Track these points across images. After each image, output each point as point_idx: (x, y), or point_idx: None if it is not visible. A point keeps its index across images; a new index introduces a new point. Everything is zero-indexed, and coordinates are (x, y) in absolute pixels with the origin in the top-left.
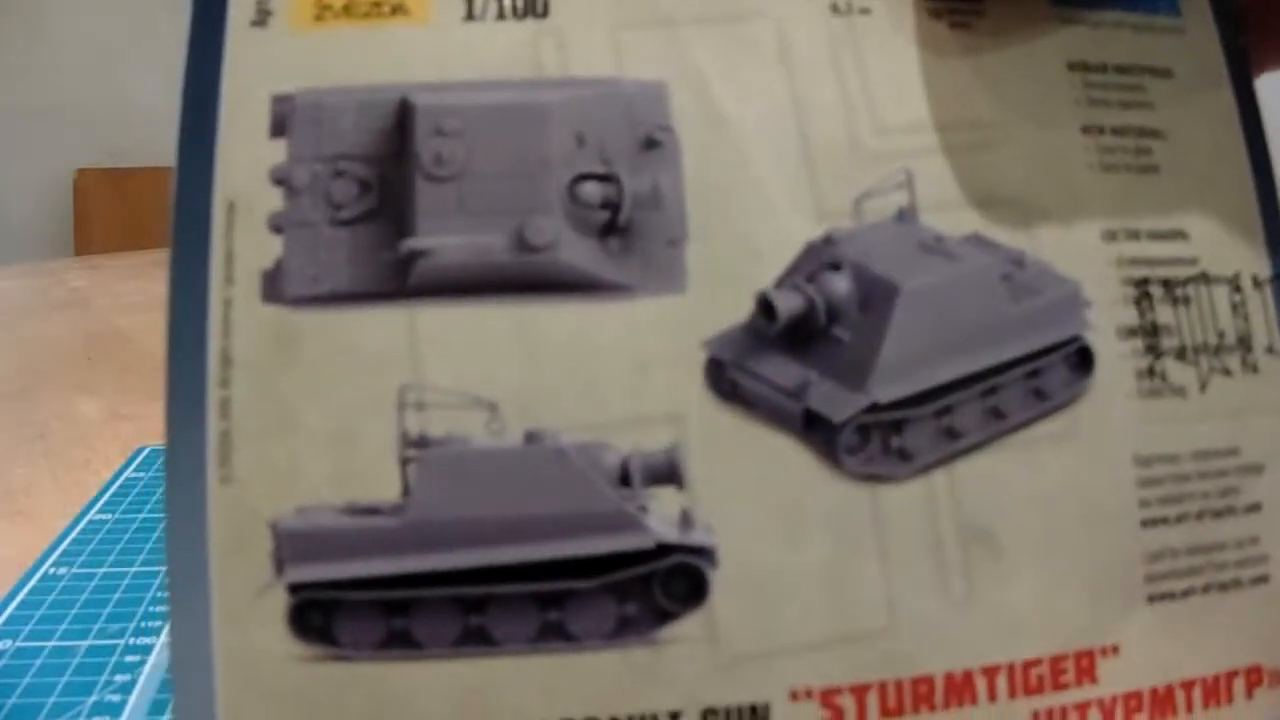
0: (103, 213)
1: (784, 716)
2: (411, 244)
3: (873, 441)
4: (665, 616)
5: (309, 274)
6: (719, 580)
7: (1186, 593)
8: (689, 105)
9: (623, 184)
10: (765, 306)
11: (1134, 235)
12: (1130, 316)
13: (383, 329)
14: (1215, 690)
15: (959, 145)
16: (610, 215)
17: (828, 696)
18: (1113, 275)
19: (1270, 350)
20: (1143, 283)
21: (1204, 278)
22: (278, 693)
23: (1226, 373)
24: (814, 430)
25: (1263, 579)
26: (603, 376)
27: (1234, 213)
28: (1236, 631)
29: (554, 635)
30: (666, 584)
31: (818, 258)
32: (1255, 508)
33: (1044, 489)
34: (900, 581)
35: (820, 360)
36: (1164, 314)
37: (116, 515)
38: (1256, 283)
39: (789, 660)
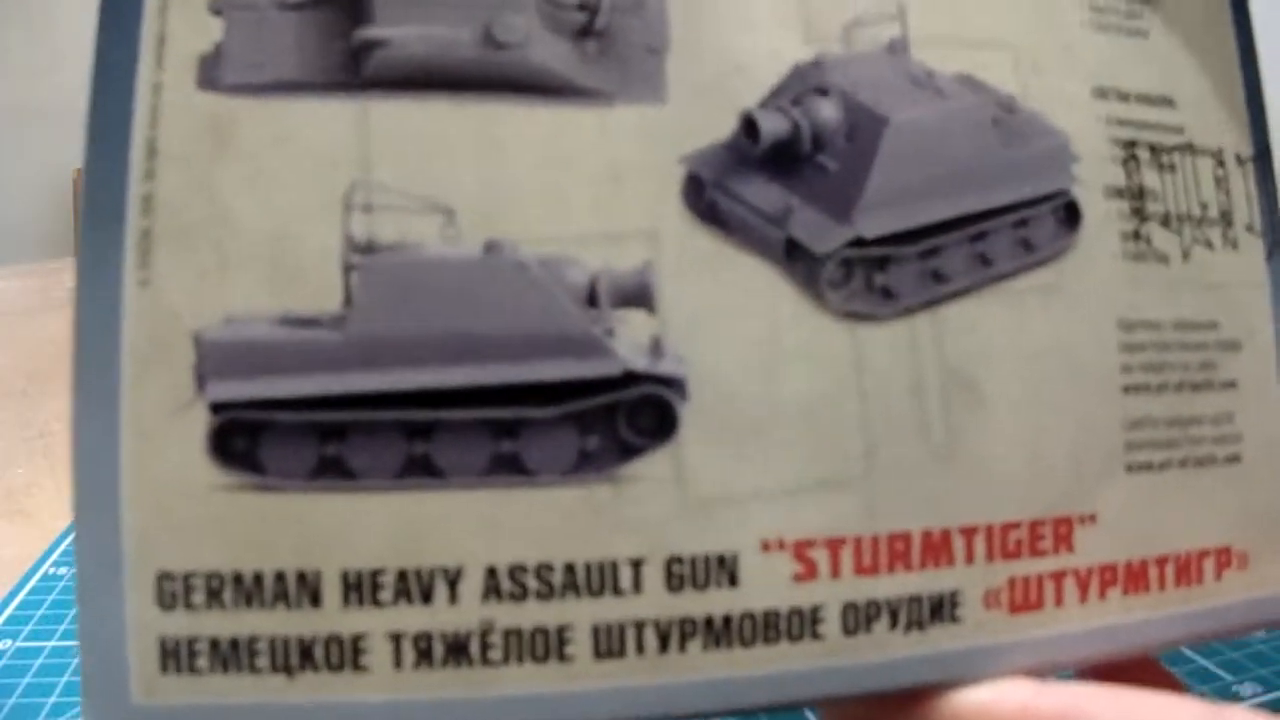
0: None
1: (754, 568)
2: (367, 33)
3: (856, 277)
4: (629, 452)
5: (251, 60)
6: (689, 415)
7: (1164, 465)
8: None
9: None
10: (749, 126)
11: (1123, 97)
12: (1117, 176)
13: (331, 122)
14: (1187, 569)
15: None
16: (587, 17)
17: (801, 549)
18: (1101, 133)
19: (1250, 229)
20: (1130, 145)
21: (1189, 148)
22: (193, 525)
23: (1209, 245)
24: (795, 260)
25: (1235, 458)
26: (572, 186)
27: (1219, 87)
28: (1209, 510)
29: (507, 468)
30: (632, 416)
31: (805, 81)
32: (1231, 385)
33: (1028, 341)
34: (880, 424)
35: (804, 187)
36: (1150, 178)
37: None
38: (1239, 160)
39: (761, 507)
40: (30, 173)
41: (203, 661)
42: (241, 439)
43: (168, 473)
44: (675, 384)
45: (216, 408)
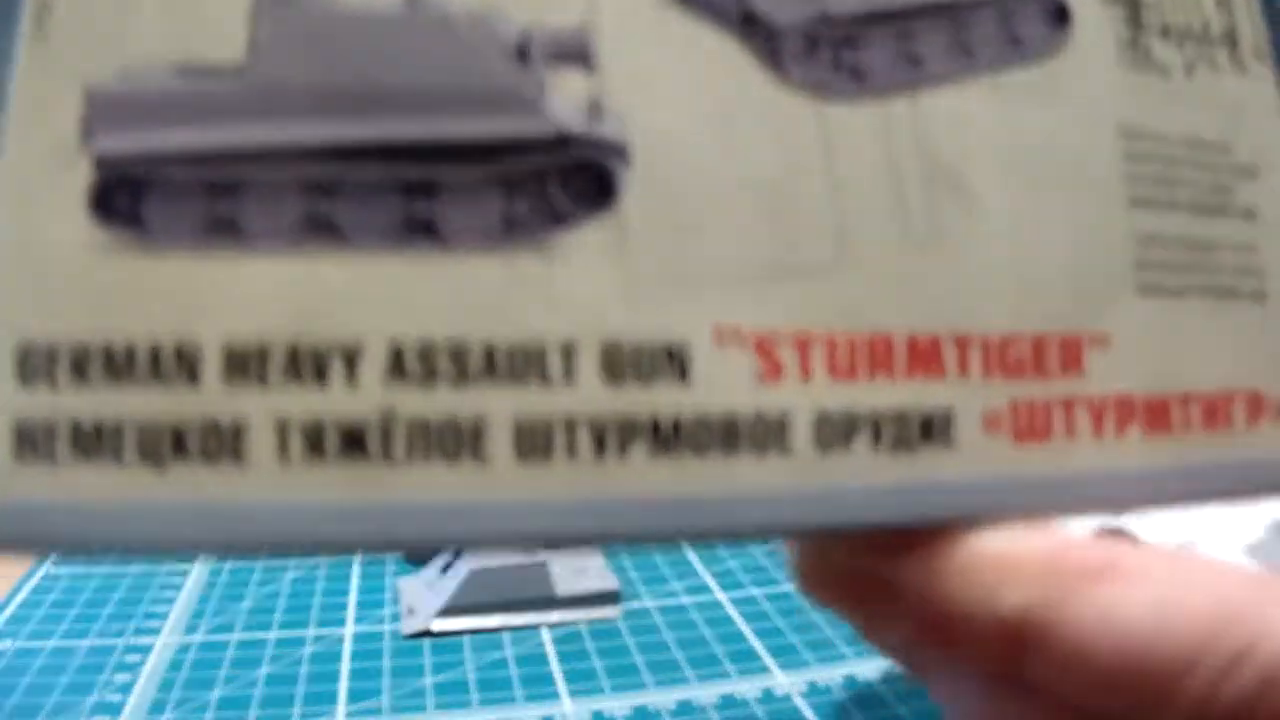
0: None
1: (708, 362)
2: None
3: (822, 53)
4: (563, 221)
5: None
6: (632, 183)
7: (1181, 291)
8: None
9: None
10: None
11: None
12: None
13: None
14: (1214, 411)
15: None
16: None
17: (763, 344)
18: None
19: (1257, 55)
20: None
21: None
22: (63, 288)
23: (1213, 65)
24: (753, 32)
25: (1260, 295)
26: None
27: None
28: (1234, 347)
29: (419, 233)
30: (566, 181)
31: None
32: (1250, 214)
33: (1018, 135)
34: (852, 207)
35: None
36: None
37: None
38: None
39: (715, 290)
40: None
41: (63, 448)
42: (126, 195)
43: (41, 230)
44: (615, 148)
45: (102, 164)
